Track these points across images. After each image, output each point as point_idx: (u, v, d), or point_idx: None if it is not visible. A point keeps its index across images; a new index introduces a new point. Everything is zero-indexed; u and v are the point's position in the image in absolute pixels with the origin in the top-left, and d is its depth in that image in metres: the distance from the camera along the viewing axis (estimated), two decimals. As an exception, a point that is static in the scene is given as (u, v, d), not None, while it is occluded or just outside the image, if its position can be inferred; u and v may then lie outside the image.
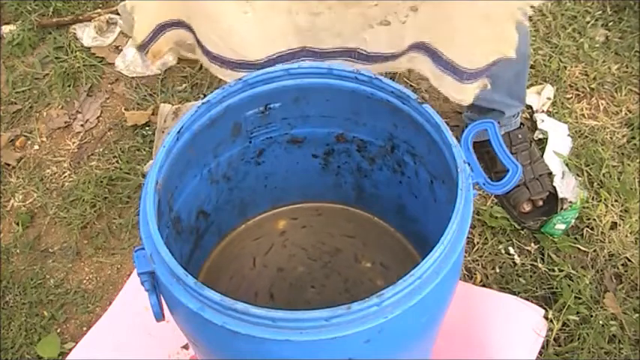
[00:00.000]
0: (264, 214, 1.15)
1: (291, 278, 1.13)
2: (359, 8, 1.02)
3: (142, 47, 1.13)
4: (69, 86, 1.70)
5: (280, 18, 1.03)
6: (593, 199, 1.38)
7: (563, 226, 1.32)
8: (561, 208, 1.34)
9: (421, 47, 1.05)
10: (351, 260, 1.12)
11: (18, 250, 1.44)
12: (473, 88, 1.05)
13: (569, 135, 1.48)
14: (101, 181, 1.51)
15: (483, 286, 1.28)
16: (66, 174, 1.55)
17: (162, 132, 1.53)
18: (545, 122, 1.49)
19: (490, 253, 1.33)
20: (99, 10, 1.82)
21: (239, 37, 1.05)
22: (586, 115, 1.53)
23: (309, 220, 1.15)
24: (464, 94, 1.06)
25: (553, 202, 1.35)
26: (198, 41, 1.10)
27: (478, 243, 1.34)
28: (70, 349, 1.26)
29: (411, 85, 1.60)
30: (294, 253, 1.13)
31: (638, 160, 1.44)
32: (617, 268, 1.30)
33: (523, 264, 1.31)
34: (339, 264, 1.12)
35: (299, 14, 1.03)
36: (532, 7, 0.99)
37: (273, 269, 1.13)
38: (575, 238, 1.33)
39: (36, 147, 1.61)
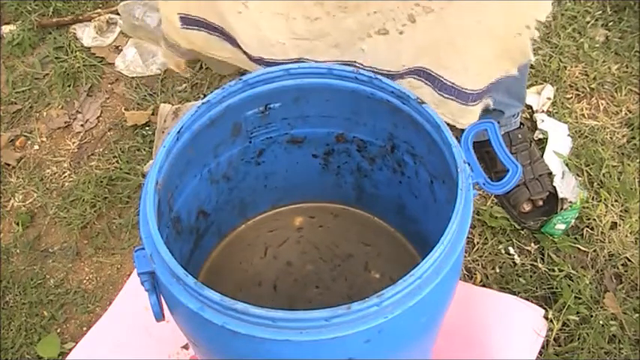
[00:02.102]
0: (265, 213, 1.15)
1: (297, 274, 1.13)
2: (358, 16, 1.00)
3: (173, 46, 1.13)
4: (69, 86, 1.70)
5: (276, 21, 1.02)
6: (593, 199, 1.38)
7: (563, 226, 1.32)
8: (561, 208, 1.34)
9: (421, 74, 1.03)
10: (361, 268, 1.11)
11: (18, 250, 1.44)
12: (477, 110, 1.03)
13: (569, 135, 1.48)
14: (101, 181, 1.51)
15: (483, 286, 1.28)
16: (66, 174, 1.55)
17: (163, 132, 1.53)
18: (545, 122, 1.49)
19: (490, 253, 1.33)
20: (99, 10, 1.82)
21: (237, 34, 1.05)
22: (586, 115, 1.53)
23: (326, 220, 1.15)
24: (469, 117, 1.04)
25: (553, 202, 1.35)
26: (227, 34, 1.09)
27: (478, 243, 1.34)
28: (70, 349, 1.26)
29: (411, 85, 1.59)
30: (306, 250, 1.14)
31: (638, 160, 1.44)
32: (617, 268, 1.30)
33: (523, 264, 1.31)
34: (348, 269, 1.12)
35: (296, 19, 1.01)
36: (539, 21, 0.97)
37: (283, 262, 1.13)
38: (575, 238, 1.33)
39: (36, 147, 1.61)
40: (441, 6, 0.96)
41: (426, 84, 1.03)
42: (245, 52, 1.08)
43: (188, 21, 1.10)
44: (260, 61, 1.06)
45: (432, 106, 1.02)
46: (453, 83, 1.00)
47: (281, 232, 1.14)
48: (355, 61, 1.05)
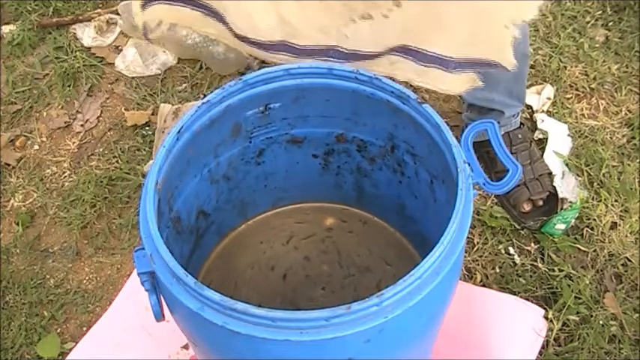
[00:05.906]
0: (265, 213, 1.15)
1: (311, 271, 1.13)
2: None
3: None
4: (69, 86, 1.70)
5: (266, 4, 1.01)
6: (593, 199, 1.38)
7: (563, 226, 1.32)
8: (561, 208, 1.34)
9: (402, 51, 1.02)
10: (373, 284, 1.11)
11: (18, 250, 1.44)
12: (461, 80, 1.01)
13: (569, 135, 1.48)
14: (101, 181, 1.51)
15: (483, 286, 1.28)
16: (66, 174, 1.55)
17: (163, 132, 1.53)
18: (545, 122, 1.49)
19: (490, 253, 1.33)
20: (99, 10, 1.82)
21: (227, 12, 1.04)
22: (586, 115, 1.53)
23: (356, 227, 1.15)
24: (450, 83, 1.01)
25: (553, 202, 1.35)
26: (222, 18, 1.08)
27: (478, 243, 1.34)
28: (70, 349, 1.26)
29: (410, 85, 1.59)
30: (329, 251, 1.14)
31: (638, 160, 1.44)
32: (617, 268, 1.30)
33: (523, 264, 1.31)
34: (360, 282, 1.12)
35: (286, 3, 1.00)
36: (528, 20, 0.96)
37: (301, 255, 1.14)
38: (575, 238, 1.33)
39: (36, 147, 1.61)
40: None
41: (406, 58, 1.02)
42: (231, 30, 1.07)
43: None
44: (245, 40, 1.06)
45: (414, 76, 1.02)
46: (433, 52, 0.99)
47: (310, 226, 1.15)
48: (337, 46, 1.03)
